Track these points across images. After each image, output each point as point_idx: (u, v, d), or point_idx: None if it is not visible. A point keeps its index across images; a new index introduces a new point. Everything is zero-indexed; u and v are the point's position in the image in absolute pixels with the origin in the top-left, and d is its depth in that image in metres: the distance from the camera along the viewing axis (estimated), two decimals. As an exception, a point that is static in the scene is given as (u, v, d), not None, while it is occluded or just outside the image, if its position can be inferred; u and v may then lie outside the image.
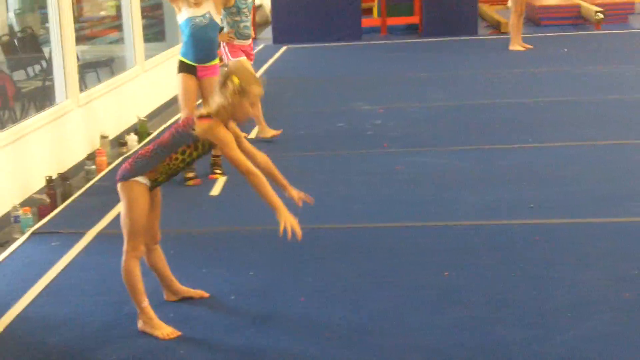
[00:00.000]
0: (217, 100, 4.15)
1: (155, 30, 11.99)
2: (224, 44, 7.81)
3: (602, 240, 5.26)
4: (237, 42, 7.80)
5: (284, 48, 14.37)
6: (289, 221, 4.04)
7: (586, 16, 15.29)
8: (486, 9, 17.36)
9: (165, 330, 4.22)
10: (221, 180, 6.85)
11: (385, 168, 7.08)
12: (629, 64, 11.38)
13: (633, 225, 5.48)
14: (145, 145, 6.92)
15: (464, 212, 5.89)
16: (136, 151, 4.16)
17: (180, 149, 4.19)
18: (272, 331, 4.24)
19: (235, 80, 4.12)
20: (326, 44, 14.77)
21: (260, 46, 15.00)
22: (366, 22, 15.94)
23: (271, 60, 13.46)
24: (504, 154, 7.28)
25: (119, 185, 4.24)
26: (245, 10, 7.76)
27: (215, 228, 5.85)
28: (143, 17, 10.04)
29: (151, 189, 4.25)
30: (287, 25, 15.13)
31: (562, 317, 4.24)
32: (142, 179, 4.20)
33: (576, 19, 15.70)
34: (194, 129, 4.14)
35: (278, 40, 15.23)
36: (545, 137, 7.78)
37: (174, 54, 8.53)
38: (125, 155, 7.63)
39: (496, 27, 15.73)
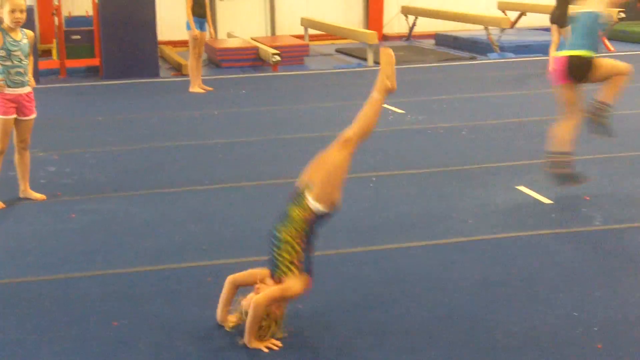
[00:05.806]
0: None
1: None
2: None
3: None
4: (7, 90, 6.95)
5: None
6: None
7: (264, 58, 15.84)
8: (168, 50, 17.50)
9: None
10: None
11: (59, 217, 6.85)
12: (304, 103, 11.94)
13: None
14: None
15: (135, 258, 5.82)
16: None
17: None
18: None
19: None
20: None
21: None
22: (44, 64, 15.44)
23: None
24: (177, 197, 7.31)
25: None
26: (18, 53, 6.91)
27: None
28: None
29: None
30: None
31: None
32: None
33: (255, 60, 16.26)
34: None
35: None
36: (219, 177, 7.91)
37: None
38: None
39: (178, 69, 15.88)
